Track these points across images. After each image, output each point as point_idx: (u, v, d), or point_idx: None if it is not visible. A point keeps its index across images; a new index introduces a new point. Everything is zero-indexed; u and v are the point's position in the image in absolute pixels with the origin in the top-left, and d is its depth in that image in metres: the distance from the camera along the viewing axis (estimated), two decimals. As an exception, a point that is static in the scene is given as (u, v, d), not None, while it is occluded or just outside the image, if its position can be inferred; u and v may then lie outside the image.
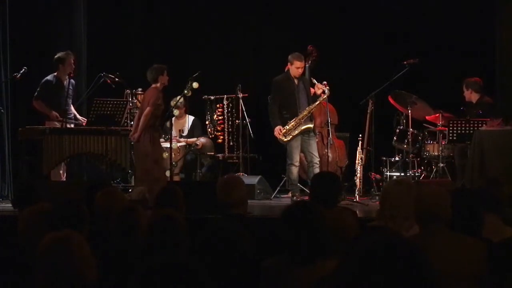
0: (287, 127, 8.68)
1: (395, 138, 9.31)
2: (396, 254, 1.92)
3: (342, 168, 9.30)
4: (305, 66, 8.89)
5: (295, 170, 8.68)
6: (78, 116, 8.99)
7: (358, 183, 8.77)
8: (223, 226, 3.16)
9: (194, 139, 9.84)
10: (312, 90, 8.91)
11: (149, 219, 3.58)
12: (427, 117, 9.34)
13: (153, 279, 2.07)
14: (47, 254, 2.76)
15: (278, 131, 8.67)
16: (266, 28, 10.88)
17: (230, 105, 10.03)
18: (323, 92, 8.77)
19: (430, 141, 9.28)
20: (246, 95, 9.71)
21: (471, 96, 9.16)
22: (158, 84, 8.28)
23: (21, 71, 8.88)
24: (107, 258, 3.61)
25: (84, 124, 8.82)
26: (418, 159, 9.40)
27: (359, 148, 8.97)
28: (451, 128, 8.65)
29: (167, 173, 8.77)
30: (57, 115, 8.59)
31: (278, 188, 9.30)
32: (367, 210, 7.75)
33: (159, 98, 8.29)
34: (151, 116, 8.20)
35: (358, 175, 8.83)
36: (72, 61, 8.80)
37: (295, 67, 8.69)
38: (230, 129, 10.08)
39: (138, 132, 8.20)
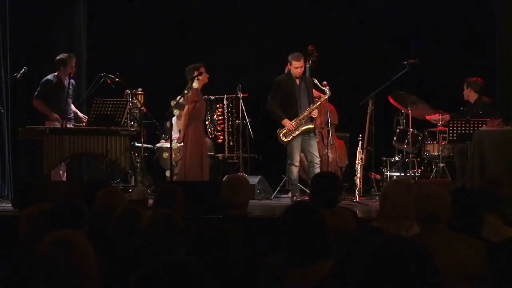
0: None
1: (395, 138, 9.31)
2: (402, 256, 1.93)
3: (342, 168, 9.31)
4: (305, 66, 8.90)
5: (295, 170, 8.68)
6: (79, 114, 8.98)
7: (358, 183, 8.77)
8: (213, 226, 3.14)
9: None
10: (315, 93, 8.92)
11: (148, 220, 3.58)
12: (427, 117, 9.34)
13: (152, 279, 2.07)
14: (48, 253, 2.76)
15: (289, 122, 8.64)
16: (266, 28, 10.88)
17: (230, 105, 10.04)
18: (324, 93, 8.77)
19: (430, 141, 9.28)
20: (246, 95, 9.70)
21: (470, 95, 9.18)
22: (195, 84, 8.74)
23: (21, 71, 8.88)
24: (107, 258, 3.61)
25: (85, 122, 8.82)
26: (418, 159, 9.40)
27: (359, 148, 8.96)
28: (451, 128, 8.65)
29: (167, 173, 8.78)
30: (57, 116, 8.59)
31: (278, 188, 9.31)
32: (367, 210, 7.75)
33: (195, 95, 8.76)
34: (189, 114, 8.72)
35: (358, 175, 8.83)
36: (74, 64, 8.80)
37: (294, 67, 8.70)
38: (230, 129, 10.08)
39: (182, 132, 8.72)
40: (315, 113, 8.75)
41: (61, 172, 8.73)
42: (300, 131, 8.68)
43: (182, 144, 8.84)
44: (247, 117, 9.60)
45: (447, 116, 9.04)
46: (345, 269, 2.86)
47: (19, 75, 8.90)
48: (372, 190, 9.00)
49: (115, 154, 8.55)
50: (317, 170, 8.49)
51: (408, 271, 1.92)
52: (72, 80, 8.76)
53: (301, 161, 8.88)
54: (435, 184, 7.01)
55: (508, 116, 8.77)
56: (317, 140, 8.97)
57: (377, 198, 8.09)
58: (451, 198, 3.67)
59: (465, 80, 9.23)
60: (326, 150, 9.04)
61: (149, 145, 9.74)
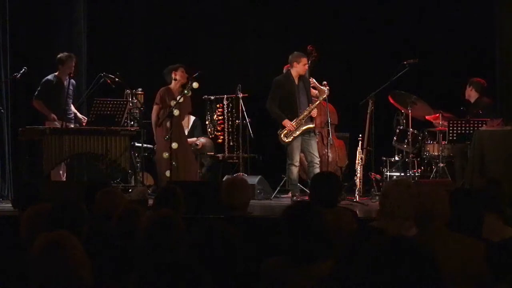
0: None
1: (395, 138, 9.31)
2: (402, 256, 1.93)
3: (342, 168, 9.31)
4: (305, 65, 8.92)
5: (295, 170, 8.68)
6: (79, 115, 8.99)
7: (358, 183, 8.76)
8: (214, 227, 3.14)
9: (194, 139, 9.85)
10: (313, 91, 8.92)
11: (148, 220, 3.57)
12: (427, 117, 9.34)
13: (152, 279, 2.07)
14: (40, 255, 2.76)
15: (289, 123, 8.64)
16: (266, 28, 10.87)
17: (230, 105, 10.03)
18: (323, 92, 8.78)
19: (430, 141, 9.28)
20: (246, 95, 9.70)
21: (471, 94, 9.21)
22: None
23: (21, 71, 8.88)
24: (107, 258, 3.61)
25: (84, 123, 8.83)
26: (418, 159, 9.40)
27: (359, 148, 8.96)
28: (451, 128, 8.65)
29: (167, 173, 8.78)
30: (55, 117, 8.59)
31: (278, 188, 9.30)
32: (367, 210, 7.75)
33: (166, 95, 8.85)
34: (156, 114, 8.95)
35: (358, 175, 8.82)
36: (73, 64, 8.80)
37: (303, 65, 8.72)
38: (230, 129, 10.08)
39: (154, 131, 8.85)
40: (314, 113, 8.76)
41: (61, 172, 8.73)
42: (300, 131, 8.68)
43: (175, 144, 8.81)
44: (247, 117, 9.60)
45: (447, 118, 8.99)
46: (345, 269, 2.86)
47: (19, 75, 8.90)
48: (372, 190, 8.99)
49: (115, 154, 8.56)
50: (317, 170, 8.49)
51: (408, 271, 1.92)
52: (72, 80, 8.77)
53: (301, 161, 8.88)
54: (433, 184, 7.02)
55: (508, 116, 8.78)
56: (317, 140, 8.97)
57: (377, 198, 8.08)
58: (451, 198, 3.67)
59: (468, 79, 9.26)
60: (326, 150, 9.04)
61: (149, 145, 9.74)
